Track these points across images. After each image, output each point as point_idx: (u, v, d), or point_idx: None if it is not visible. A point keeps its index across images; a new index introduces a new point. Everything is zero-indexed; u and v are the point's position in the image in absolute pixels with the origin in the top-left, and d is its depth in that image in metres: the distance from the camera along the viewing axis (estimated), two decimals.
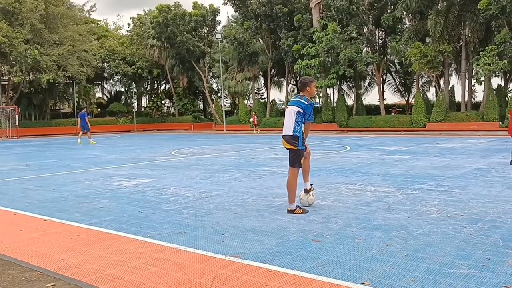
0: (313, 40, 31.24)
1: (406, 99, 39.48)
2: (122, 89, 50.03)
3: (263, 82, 45.33)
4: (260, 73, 40.50)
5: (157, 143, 22.47)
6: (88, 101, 44.80)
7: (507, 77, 29.73)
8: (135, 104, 49.20)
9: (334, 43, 29.55)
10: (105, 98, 52.45)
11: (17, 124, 33.50)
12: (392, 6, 31.14)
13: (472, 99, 33.33)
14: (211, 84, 46.35)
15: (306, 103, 5.85)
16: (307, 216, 5.66)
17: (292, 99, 6.12)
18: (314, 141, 19.66)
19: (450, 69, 32.92)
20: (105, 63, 44.37)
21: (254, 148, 17.42)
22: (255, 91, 45.27)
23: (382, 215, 5.58)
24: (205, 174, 9.90)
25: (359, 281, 3.47)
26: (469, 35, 28.58)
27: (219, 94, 43.82)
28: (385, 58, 33.48)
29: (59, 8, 34.60)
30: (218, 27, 43.73)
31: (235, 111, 44.85)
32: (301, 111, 5.82)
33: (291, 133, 5.82)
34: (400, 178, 8.57)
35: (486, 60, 24.99)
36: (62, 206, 6.75)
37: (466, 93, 30.00)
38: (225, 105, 44.30)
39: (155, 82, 49.45)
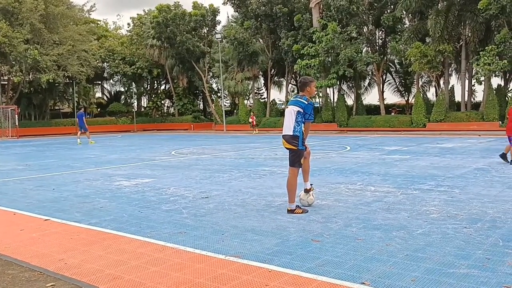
0: (313, 40, 31.24)
1: (406, 99, 39.48)
2: (122, 89, 50.08)
3: (263, 82, 45.34)
4: (260, 73, 40.49)
5: (157, 143, 22.47)
6: (88, 101, 44.81)
7: (507, 77, 29.72)
8: (135, 104, 49.23)
9: (334, 43, 29.55)
10: (105, 98, 52.47)
11: (17, 124, 33.51)
12: (392, 6, 31.13)
13: (472, 99, 33.34)
14: (211, 84, 46.35)
15: (306, 102, 5.85)
16: (307, 216, 5.66)
17: (292, 99, 6.12)
18: (314, 141, 19.66)
19: (450, 69, 32.93)
20: (105, 63, 44.38)
21: (254, 148, 17.42)
22: (255, 91, 45.28)
23: (382, 215, 5.58)
24: (205, 174, 9.90)
25: (359, 281, 3.47)
26: (469, 35, 28.57)
27: (219, 94, 43.82)
28: (385, 58, 33.48)
29: (59, 8, 34.60)
30: (218, 27, 43.79)
31: (235, 111, 44.86)
32: (301, 110, 5.82)
33: (291, 133, 5.82)
34: (400, 178, 8.57)
35: (486, 60, 24.99)
36: (62, 206, 6.75)
37: (466, 93, 30.00)
38: (225, 105, 44.30)
39: (155, 82, 49.45)
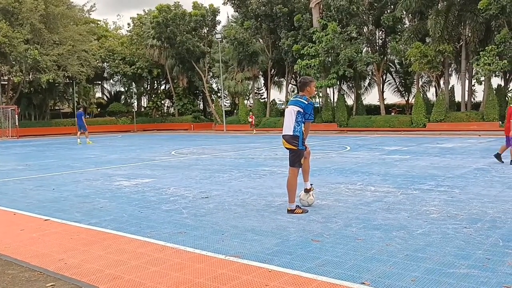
0: (313, 40, 31.23)
1: (406, 99, 39.48)
2: (122, 89, 50.08)
3: (263, 82, 45.35)
4: (260, 73, 40.50)
5: (157, 143, 22.47)
6: (88, 101, 44.83)
7: (507, 77, 29.72)
8: (135, 104, 49.23)
9: (334, 43, 29.55)
10: (105, 98, 52.49)
11: (17, 124, 33.51)
12: (392, 6, 31.13)
13: (472, 99, 33.33)
14: (211, 84, 46.35)
15: (306, 102, 5.85)
16: (307, 216, 5.66)
17: (292, 99, 6.12)
18: (314, 141, 19.66)
19: (450, 69, 32.93)
20: (105, 63, 44.39)
21: (254, 148, 17.42)
22: (255, 91, 45.28)
23: (382, 215, 5.58)
24: (205, 174, 9.90)
25: (359, 281, 3.47)
26: (469, 35, 28.57)
27: (219, 94, 43.82)
28: (385, 58, 33.47)
29: (59, 8, 34.60)
30: (218, 27, 43.78)
31: (235, 111, 44.86)
32: (301, 110, 5.82)
33: (291, 133, 5.82)
34: (400, 178, 8.57)
35: (486, 60, 24.99)
36: (62, 206, 6.75)
37: (466, 93, 29.99)
38: (225, 105, 44.30)
39: (155, 82, 49.46)
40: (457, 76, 34.60)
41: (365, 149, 15.52)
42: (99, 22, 48.26)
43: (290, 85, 41.13)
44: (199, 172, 10.35)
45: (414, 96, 33.54)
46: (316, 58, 30.63)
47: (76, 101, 41.40)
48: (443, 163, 10.87)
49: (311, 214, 5.75)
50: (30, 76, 36.37)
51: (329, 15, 31.40)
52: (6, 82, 37.08)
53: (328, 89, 34.74)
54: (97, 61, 40.66)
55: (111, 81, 50.37)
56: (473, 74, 28.41)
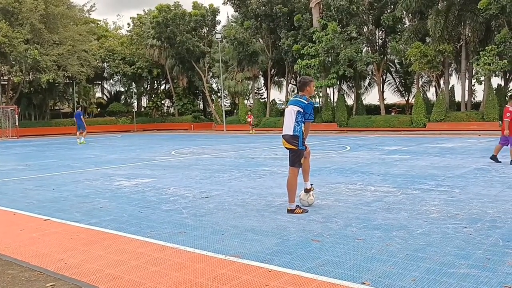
0: (313, 40, 31.23)
1: (406, 99, 39.46)
2: (122, 89, 50.09)
3: (263, 82, 45.33)
4: (260, 73, 40.49)
5: (157, 143, 22.47)
6: (88, 101, 44.83)
7: (507, 77, 29.70)
8: (135, 104, 49.23)
9: (334, 43, 29.54)
10: (105, 98, 52.49)
11: (17, 124, 33.51)
12: (392, 6, 31.12)
13: (472, 99, 33.31)
14: (211, 84, 46.34)
15: (306, 102, 5.85)
16: (307, 216, 5.66)
17: (292, 98, 6.12)
18: (314, 141, 19.66)
19: (450, 69, 32.91)
20: (105, 63, 44.39)
21: (254, 148, 17.42)
22: (255, 91, 45.27)
23: (382, 215, 5.58)
24: (205, 174, 9.90)
25: (359, 281, 3.46)
26: (469, 34, 28.56)
27: (219, 94, 43.82)
28: (385, 58, 33.45)
29: (59, 8, 34.59)
30: (218, 27, 43.77)
31: (235, 111, 44.85)
32: (301, 110, 5.82)
33: (291, 133, 5.82)
34: (400, 178, 8.56)
35: (486, 59, 24.97)
36: (62, 206, 6.75)
37: (466, 93, 29.98)
38: (225, 105, 44.29)
39: (155, 82, 49.45)
40: (457, 76, 34.59)
41: (365, 149, 15.52)
42: (99, 22, 48.26)
43: (290, 85, 41.13)
44: (199, 172, 10.35)
45: (414, 96, 33.52)
46: (316, 58, 30.63)
47: (76, 101, 41.39)
48: (443, 163, 10.87)
49: (311, 214, 5.75)
50: (30, 76, 36.37)
51: (329, 15, 31.39)
52: (6, 82, 37.08)
53: (328, 89, 34.73)
54: (97, 61, 40.65)
55: (111, 81, 50.40)
56: (473, 74, 28.40)
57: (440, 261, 3.86)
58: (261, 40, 38.11)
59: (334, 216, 5.59)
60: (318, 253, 4.18)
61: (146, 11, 45.50)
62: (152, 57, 42.32)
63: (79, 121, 23.13)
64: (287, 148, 5.95)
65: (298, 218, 5.53)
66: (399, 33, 30.34)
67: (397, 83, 39.42)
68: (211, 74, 43.81)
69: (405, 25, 31.78)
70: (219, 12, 42.61)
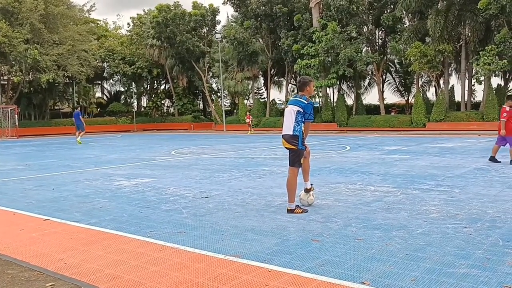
0: (313, 39, 31.23)
1: (406, 98, 39.47)
2: (122, 89, 50.08)
3: (263, 81, 45.33)
4: (260, 72, 40.49)
5: (156, 143, 22.47)
6: (88, 101, 44.81)
7: (506, 77, 29.70)
8: (135, 104, 49.24)
9: (334, 42, 29.55)
10: (104, 98, 52.50)
11: (16, 124, 33.51)
12: (392, 6, 31.13)
13: (472, 99, 33.32)
14: (211, 84, 46.35)
15: (306, 102, 5.85)
16: (307, 215, 5.66)
17: (291, 98, 6.12)
18: (314, 141, 19.66)
19: (450, 69, 32.91)
20: (105, 63, 44.39)
21: (253, 148, 17.42)
22: (255, 90, 45.27)
23: (382, 215, 5.58)
24: (204, 174, 9.90)
25: (359, 281, 3.46)
26: (469, 34, 28.56)
27: (218, 94, 43.82)
28: (385, 57, 33.45)
29: (59, 8, 34.60)
30: (218, 27, 43.79)
31: (235, 111, 44.86)
32: (301, 110, 5.82)
33: (291, 133, 5.82)
34: (400, 178, 8.57)
35: (486, 59, 24.98)
36: (61, 206, 6.75)
37: (466, 92, 29.98)
38: (224, 105, 44.28)
39: (155, 82, 49.45)
40: (457, 76, 34.60)
41: (365, 149, 15.52)
42: (99, 22, 48.26)
43: (290, 85, 41.16)
44: (199, 172, 10.35)
45: (414, 96, 33.53)
46: (316, 58, 30.63)
47: (76, 101, 41.38)
48: (443, 163, 10.88)
49: (311, 214, 5.75)
50: (30, 76, 36.36)
51: (329, 14, 31.39)
52: (6, 82, 37.08)
53: (328, 89, 34.73)
54: (97, 61, 40.65)
55: (111, 81, 50.40)
56: (473, 74, 28.41)
57: (440, 261, 3.86)
58: (261, 40, 38.11)
59: (334, 216, 5.59)
60: (318, 253, 4.18)
61: (146, 11, 45.52)
62: (152, 57, 42.33)
63: (78, 121, 23.11)
64: (286, 148, 5.95)
65: (298, 218, 5.53)
66: (399, 33, 30.34)
67: (397, 83, 39.42)
68: (211, 74, 43.82)
69: (405, 25, 31.78)
70: (219, 12, 42.65)
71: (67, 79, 37.84)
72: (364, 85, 39.53)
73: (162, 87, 50.65)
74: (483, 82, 27.15)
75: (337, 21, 30.53)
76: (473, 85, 31.22)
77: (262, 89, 49.00)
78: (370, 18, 32.76)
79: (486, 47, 25.45)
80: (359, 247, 4.30)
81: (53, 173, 10.97)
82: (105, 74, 46.30)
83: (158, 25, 39.23)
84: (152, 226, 5.38)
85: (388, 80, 39.54)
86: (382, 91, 35.12)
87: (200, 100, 50.71)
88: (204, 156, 14.50)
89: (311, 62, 30.75)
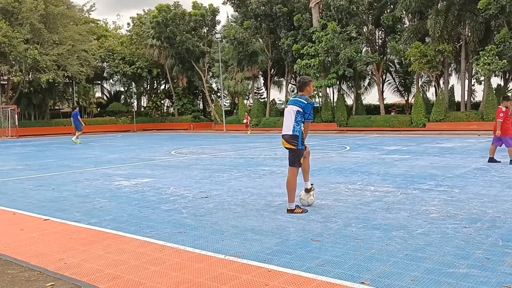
0: (313, 39, 31.24)
1: (405, 99, 39.46)
2: (122, 89, 50.06)
3: (262, 81, 45.33)
4: (260, 72, 40.49)
5: (156, 143, 22.47)
6: (88, 101, 44.79)
7: (506, 77, 29.71)
8: (135, 103, 49.22)
9: (334, 42, 29.55)
10: (104, 97, 52.48)
11: (16, 124, 33.50)
12: (391, 6, 31.13)
13: (472, 99, 33.31)
14: (211, 84, 46.34)
15: (306, 102, 5.86)
16: (307, 215, 5.66)
17: (291, 98, 6.12)
18: (313, 141, 19.67)
19: (450, 69, 32.91)
20: (105, 63, 44.38)
21: (253, 148, 17.42)
22: (255, 90, 45.27)
23: (382, 215, 5.58)
24: (204, 174, 9.90)
25: (359, 281, 3.47)
26: (469, 34, 28.57)
27: (218, 94, 43.81)
28: (385, 57, 33.46)
29: (59, 8, 34.59)
30: (218, 27, 43.79)
31: (235, 111, 44.87)
32: (301, 110, 5.82)
33: (290, 133, 5.83)
34: (400, 178, 8.57)
35: (485, 59, 24.98)
36: (61, 206, 6.75)
37: (466, 92, 29.99)
38: (224, 105, 44.27)
39: (155, 81, 49.44)
40: (457, 76, 34.60)
41: (364, 149, 15.53)
42: (98, 22, 48.25)
43: (290, 84, 41.16)
44: (198, 171, 10.35)
45: (413, 96, 33.52)
46: (315, 58, 30.64)
47: (76, 101, 41.37)
48: (442, 163, 10.88)
49: (311, 213, 5.75)
50: (30, 76, 36.36)
51: (328, 14, 31.40)
52: (6, 82, 37.07)
53: (327, 89, 34.73)
54: (97, 61, 40.64)
55: (111, 80, 50.37)
56: (472, 74, 28.41)
57: (440, 261, 3.86)
58: (260, 40, 38.11)
59: (334, 216, 5.59)
60: (317, 253, 4.18)
61: (146, 11, 45.51)
62: (152, 57, 42.32)
63: (76, 121, 23.06)
64: (286, 148, 5.95)
65: (298, 218, 5.54)
66: (398, 33, 30.35)
67: (397, 83, 39.42)
68: (211, 74, 43.82)
69: (404, 25, 31.79)
70: (218, 12, 42.65)
71: (67, 79, 37.82)
72: (364, 85, 39.53)
73: (162, 87, 50.64)
74: (483, 82, 27.16)
75: (337, 21, 30.53)
76: (473, 85, 31.23)
77: (262, 89, 49.02)
78: (370, 18, 32.76)
79: (486, 47, 25.45)
80: (359, 247, 4.30)
81: (53, 173, 10.97)
82: (105, 74, 46.29)
83: (158, 25, 39.23)
84: (152, 226, 5.38)
85: (388, 80, 39.54)
86: (382, 91, 35.13)
87: (200, 100, 50.71)
88: (204, 156, 14.51)
89: (311, 62, 30.75)
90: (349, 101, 37.22)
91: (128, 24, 49.18)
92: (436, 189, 7.30)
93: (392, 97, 47.56)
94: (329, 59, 30.64)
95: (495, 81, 31.78)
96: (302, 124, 5.86)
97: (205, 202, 6.75)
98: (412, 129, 28.02)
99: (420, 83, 35.76)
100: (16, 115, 33.38)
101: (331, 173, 9.48)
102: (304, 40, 32.47)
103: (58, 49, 34.20)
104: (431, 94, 38.15)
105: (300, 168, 6.00)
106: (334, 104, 33.54)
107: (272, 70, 39.93)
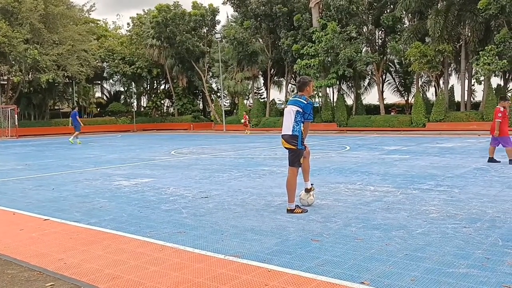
0: (313, 39, 31.24)
1: (405, 99, 39.47)
2: (122, 89, 50.06)
3: (262, 81, 45.33)
4: (260, 72, 40.49)
5: (156, 143, 22.47)
6: (88, 101, 44.79)
7: (506, 77, 29.71)
8: (135, 103, 49.22)
9: (334, 42, 29.55)
10: (104, 97, 52.48)
11: (16, 124, 33.51)
12: (391, 6, 31.13)
13: (472, 99, 33.32)
14: (211, 84, 46.34)
15: (305, 102, 5.86)
16: (307, 215, 5.66)
17: (291, 98, 6.13)
18: (313, 141, 19.67)
19: (450, 69, 32.91)
20: (105, 63, 44.38)
21: (253, 148, 17.42)
22: (255, 90, 45.27)
23: (382, 215, 5.58)
24: (204, 174, 9.90)
25: (359, 281, 3.47)
26: (469, 34, 28.57)
27: (218, 94, 43.80)
28: (385, 57, 33.46)
29: (59, 8, 34.60)
30: (218, 27, 43.80)
31: (235, 111, 44.87)
32: (301, 110, 5.83)
33: (290, 133, 5.83)
34: (400, 178, 8.57)
35: (485, 59, 24.98)
36: (61, 206, 6.75)
37: (466, 92, 29.99)
38: (224, 105, 44.25)
39: (155, 81, 49.45)
40: (457, 76, 34.60)
41: (364, 149, 15.53)
42: (98, 22, 48.26)
43: (289, 84, 41.15)
44: (198, 171, 10.35)
45: (413, 96, 33.52)
46: (315, 58, 30.64)
47: (76, 101, 41.36)
48: (442, 163, 10.88)
49: (311, 213, 5.75)
50: (30, 76, 36.36)
51: (328, 14, 31.40)
52: (6, 82, 37.07)
53: (327, 88, 34.73)
54: (97, 61, 40.65)
55: (111, 80, 50.38)
56: (472, 74, 28.41)
57: (440, 261, 3.86)
58: (260, 40, 38.11)
59: (334, 216, 5.59)
60: (317, 252, 4.18)
61: (146, 11, 45.53)
62: (151, 57, 42.33)
63: (75, 121, 23.03)
64: (286, 148, 5.95)
65: (298, 218, 5.54)
66: (398, 33, 30.35)
67: (397, 83, 39.42)
68: (210, 74, 43.82)
69: (404, 25, 31.79)
70: (218, 12, 42.66)
71: (67, 79, 37.82)
72: (364, 85, 39.53)
73: (162, 87, 50.65)
74: (482, 82, 27.16)
75: (337, 21, 30.53)
76: (473, 85, 31.23)
77: (262, 89, 49.01)
78: (370, 18, 32.76)
79: (486, 47, 25.46)
80: (359, 247, 4.30)
81: (52, 173, 10.97)
82: (105, 74, 46.29)
83: (158, 25, 39.24)
84: (152, 226, 5.38)
85: (388, 80, 39.54)
86: (382, 91, 35.14)
87: (200, 100, 50.71)
88: (204, 156, 14.50)
89: (311, 62, 30.76)
90: (349, 101, 37.25)
91: (128, 24, 49.26)
92: (436, 189, 7.30)
93: (392, 97, 47.61)
94: (329, 59, 30.65)
95: (495, 81, 31.81)
96: (302, 124, 5.86)
97: (205, 202, 6.75)
98: (412, 129, 28.02)
99: (420, 83, 35.76)
100: (16, 115, 33.39)
101: (331, 173, 9.48)
102: (304, 40, 32.47)
103: (58, 49, 34.20)
104: (431, 94, 38.18)
105: (300, 168, 6.00)
106: (334, 104, 33.55)
107: (272, 70, 39.93)
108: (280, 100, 45.55)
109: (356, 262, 3.88)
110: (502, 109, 10.48)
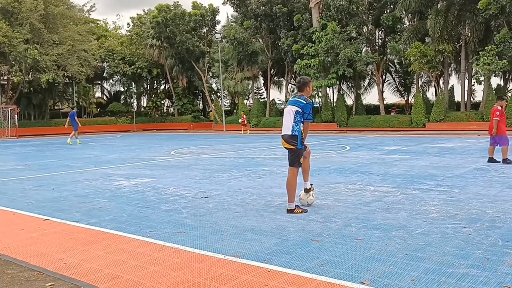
0: (313, 39, 31.24)
1: (405, 99, 39.47)
2: (122, 89, 50.07)
3: (262, 81, 45.33)
4: (260, 72, 40.49)
5: (156, 143, 22.47)
6: (88, 101, 44.80)
7: (506, 77, 29.71)
8: (135, 104, 49.23)
9: (334, 42, 29.55)
10: (104, 97, 52.49)
11: (16, 124, 33.51)
12: (391, 6, 31.13)
13: (472, 99, 33.31)
14: (211, 84, 46.34)
15: (305, 102, 5.86)
16: (307, 215, 5.66)
17: (290, 99, 6.13)
18: (313, 141, 19.66)
19: (450, 69, 32.91)
20: (105, 63, 44.39)
21: (253, 148, 17.42)
22: (255, 90, 45.27)
23: (382, 215, 5.58)
24: (204, 174, 9.90)
25: (359, 281, 3.47)
26: (469, 34, 28.58)
27: (218, 94, 43.80)
28: (385, 58, 33.46)
29: (59, 8, 34.60)
30: (218, 27, 43.79)
31: (235, 111, 44.87)
32: (300, 110, 5.83)
33: (290, 133, 5.83)
34: (400, 178, 8.57)
35: (485, 60, 24.98)
36: (61, 206, 6.75)
37: (466, 93, 29.99)
38: (224, 105, 44.25)
39: (155, 82, 49.45)
40: (457, 76, 34.60)
41: (364, 149, 15.53)
42: (98, 22, 48.26)
43: (289, 85, 41.14)
44: (198, 172, 10.35)
45: (413, 96, 33.53)
46: (315, 58, 30.64)
47: (76, 101, 41.36)
48: (442, 163, 10.88)
49: (311, 213, 5.75)
50: (30, 76, 36.35)
51: (328, 14, 31.40)
52: (6, 82, 37.06)
53: (327, 89, 34.72)
54: (97, 61, 40.64)
55: (111, 81, 50.40)
56: (472, 74, 28.41)
57: (439, 261, 3.86)
58: (260, 40, 38.11)
59: (334, 216, 5.59)
60: (317, 253, 4.18)
61: (146, 11, 45.52)
62: (151, 57, 42.33)
63: (73, 121, 23.01)
64: (286, 148, 5.96)
65: (298, 218, 5.54)
66: (398, 33, 30.35)
67: (397, 83, 39.43)
68: (210, 74, 43.82)
69: (404, 25, 31.79)
70: (218, 12, 42.66)
71: (67, 79, 37.81)
72: (364, 85, 39.53)
73: (162, 87, 50.65)
74: (482, 82, 27.16)
75: (337, 21, 30.53)
76: (473, 85, 31.22)
77: (262, 89, 49.01)
78: (370, 18, 32.77)
79: (486, 47, 25.46)
80: (359, 247, 4.30)
81: (52, 173, 10.97)
82: (105, 74, 46.30)
83: (158, 25, 39.24)
84: (152, 226, 5.38)
85: (388, 80, 39.54)
86: (382, 91, 35.14)
87: (200, 100, 50.71)
88: (203, 156, 14.51)
89: (311, 62, 30.76)
90: (349, 101, 37.25)
91: (128, 24, 49.25)
92: (436, 189, 7.31)
93: (392, 97, 47.58)
94: (329, 59, 30.64)
95: (495, 81, 31.79)
96: (302, 124, 5.87)
97: (205, 202, 6.75)
98: (412, 129, 28.02)
99: (420, 83, 35.77)
100: (16, 115, 33.39)
101: (331, 173, 9.48)
102: (304, 40, 32.47)
103: (58, 49, 34.20)
104: (431, 94, 38.17)
105: (300, 168, 6.00)
106: (334, 104, 33.54)
107: (272, 70, 39.93)
108: (280, 100, 45.58)
109: (356, 262, 3.88)
110: (499, 108, 10.55)
